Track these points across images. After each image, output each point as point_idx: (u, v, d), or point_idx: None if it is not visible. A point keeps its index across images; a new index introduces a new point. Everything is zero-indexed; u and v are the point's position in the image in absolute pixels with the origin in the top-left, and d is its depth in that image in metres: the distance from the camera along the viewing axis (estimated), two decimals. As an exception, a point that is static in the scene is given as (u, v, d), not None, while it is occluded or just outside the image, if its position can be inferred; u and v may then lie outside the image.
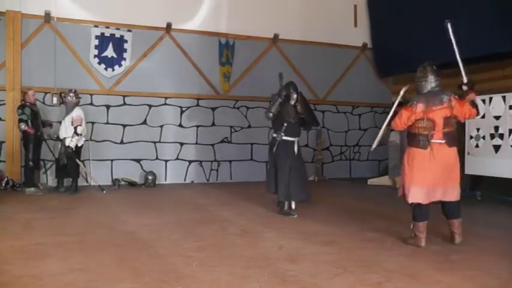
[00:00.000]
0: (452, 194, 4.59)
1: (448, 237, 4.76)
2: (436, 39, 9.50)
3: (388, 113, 5.20)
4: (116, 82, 9.63)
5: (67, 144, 7.99)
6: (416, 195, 4.52)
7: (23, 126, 7.85)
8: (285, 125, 6.16)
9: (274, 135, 6.29)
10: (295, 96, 6.26)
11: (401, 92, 4.82)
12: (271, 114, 6.27)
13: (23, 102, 8.10)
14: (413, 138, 4.61)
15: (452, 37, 4.84)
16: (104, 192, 8.39)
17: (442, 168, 4.53)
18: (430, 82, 4.67)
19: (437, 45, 9.54)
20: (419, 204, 4.54)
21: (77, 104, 8.25)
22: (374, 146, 5.11)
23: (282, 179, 6.13)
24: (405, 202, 4.67)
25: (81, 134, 8.11)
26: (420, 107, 4.53)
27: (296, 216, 6.04)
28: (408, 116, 4.56)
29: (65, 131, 8.08)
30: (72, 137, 7.97)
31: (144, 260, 3.99)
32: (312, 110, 6.81)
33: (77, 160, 8.26)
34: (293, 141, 6.27)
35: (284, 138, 6.18)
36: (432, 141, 4.51)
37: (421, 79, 4.72)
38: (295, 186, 6.14)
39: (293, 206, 6.20)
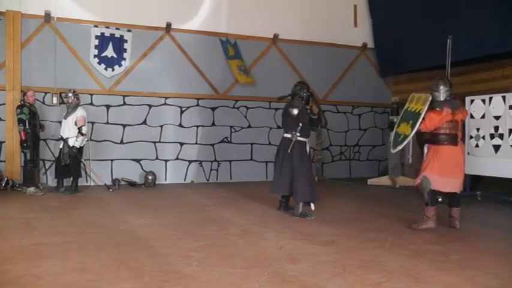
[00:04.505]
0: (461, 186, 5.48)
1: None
2: (436, 40, 9.55)
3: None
4: (116, 82, 9.62)
5: (71, 144, 7.99)
6: (453, 185, 5.33)
7: (19, 127, 7.88)
8: (300, 125, 6.11)
9: (288, 135, 6.20)
10: (305, 95, 6.24)
11: (430, 98, 5.37)
12: (296, 111, 6.11)
13: (22, 102, 8.12)
14: (442, 137, 5.32)
15: (448, 53, 5.59)
16: (111, 190, 8.43)
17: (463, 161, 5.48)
18: (443, 92, 5.38)
19: (437, 46, 9.59)
20: (434, 191, 5.31)
21: (78, 104, 8.25)
22: (399, 148, 5.55)
23: (303, 180, 6.05)
24: (419, 192, 5.46)
25: (85, 134, 8.14)
26: (448, 110, 5.24)
27: (314, 217, 5.97)
28: (439, 119, 5.23)
29: (68, 131, 8.07)
30: (77, 137, 7.98)
31: (144, 260, 3.99)
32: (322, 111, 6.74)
33: (82, 160, 8.30)
34: (305, 142, 6.26)
35: (299, 138, 6.13)
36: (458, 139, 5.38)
37: (434, 91, 5.44)
38: (314, 187, 6.18)
39: (313, 207, 6.11)
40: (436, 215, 5.33)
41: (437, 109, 5.25)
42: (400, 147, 5.52)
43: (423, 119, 5.29)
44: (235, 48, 10.34)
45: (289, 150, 6.10)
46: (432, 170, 5.30)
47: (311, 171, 6.35)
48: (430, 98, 5.35)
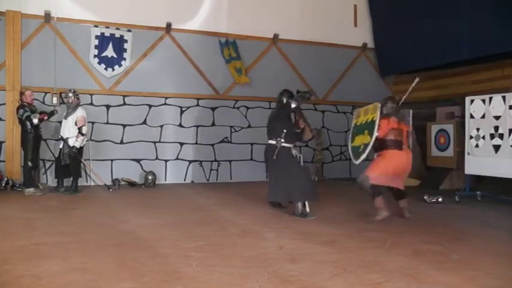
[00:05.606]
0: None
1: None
2: (437, 40, 9.56)
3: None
4: (116, 82, 9.63)
5: (71, 144, 7.98)
6: (395, 182, 5.92)
7: (36, 120, 7.89)
8: (285, 131, 6.22)
9: (272, 142, 6.33)
10: (293, 105, 6.40)
11: (379, 105, 5.96)
12: (295, 104, 6.34)
13: (20, 102, 8.07)
14: (389, 143, 5.91)
15: (409, 90, 6.20)
16: (111, 190, 8.43)
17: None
18: (389, 107, 6.05)
19: (437, 46, 9.60)
20: (379, 186, 5.83)
21: (78, 104, 8.26)
22: (363, 157, 5.89)
23: (297, 180, 6.09)
24: (373, 188, 5.81)
25: (85, 134, 8.15)
26: (395, 119, 5.93)
27: (315, 217, 5.98)
28: (390, 127, 5.87)
29: (68, 131, 8.07)
30: (77, 137, 7.97)
31: (144, 260, 3.99)
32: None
33: (82, 160, 8.31)
34: (291, 147, 6.37)
35: (283, 144, 6.24)
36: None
37: (383, 106, 6.04)
38: (313, 186, 6.26)
39: (307, 208, 6.14)
40: (384, 203, 5.78)
41: (385, 119, 5.86)
42: (363, 157, 5.87)
43: (378, 125, 5.79)
44: (234, 47, 10.29)
45: (274, 157, 6.21)
46: (376, 169, 5.81)
47: (304, 172, 6.33)
48: (379, 105, 5.93)
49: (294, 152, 6.40)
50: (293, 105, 6.31)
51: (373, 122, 5.84)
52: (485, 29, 8.43)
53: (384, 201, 5.81)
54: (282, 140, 6.21)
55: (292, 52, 10.98)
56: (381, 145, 5.94)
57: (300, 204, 6.08)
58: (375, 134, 5.75)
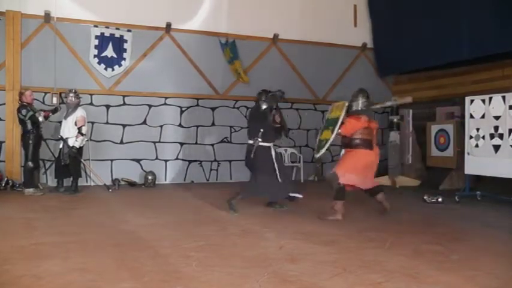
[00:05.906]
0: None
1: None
2: (436, 40, 9.56)
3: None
4: (116, 82, 9.63)
5: (71, 144, 7.99)
6: (364, 183, 6.07)
7: (41, 118, 7.96)
8: (262, 130, 6.30)
9: (251, 141, 6.43)
10: (264, 107, 6.56)
11: (347, 104, 6.02)
12: (265, 105, 6.53)
13: (20, 102, 8.06)
14: (358, 142, 5.92)
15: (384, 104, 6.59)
16: (110, 190, 8.43)
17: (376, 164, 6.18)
18: (361, 103, 6.04)
19: (437, 46, 9.60)
20: (343, 188, 5.90)
21: (78, 104, 8.26)
22: (322, 152, 5.99)
23: (255, 179, 6.41)
24: (339, 186, 5.89)
25: (85, 134, 8.15)
26: (365, 118, 5.91)
27: (237, 214, 6.16)
28: (361, 126, 5.88)
29: (68, 131, 8.07)
30: (77, 137, 7.98)
31: (144, 260, 3.99)
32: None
33: (82, 160, 8.31)
34: (270, 147, 6.46)
35: (261, 144, 6.34)
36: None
37: (353, 101, 6.08)
38: (267, 187, 6.46)
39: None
40: (343, 209, 5.86)
41: (356, 115, 5.90)
42: (323, 151, 6.01)
43: (343, 123, 5.87)
44: (232, 50, 10.27)
45: (251, 155, 6.33)
46: (345, 168, 5.88)
47: (270, 175, 6.41)
48: (347, 103, 5.99)
49: (273, 151, 6.49)
50: (264, 107, 6.48)
51: (338, 119, 5.94)
52: (485, 29, 8.43)
53: (343, 206, 5.92)
54: (259, 140, 6.28)
55: (292, 52, 10.97)
56: (349, 142, 6.00)
57: (238, 197, 6.34)
58: (336, 132, 5.87)
